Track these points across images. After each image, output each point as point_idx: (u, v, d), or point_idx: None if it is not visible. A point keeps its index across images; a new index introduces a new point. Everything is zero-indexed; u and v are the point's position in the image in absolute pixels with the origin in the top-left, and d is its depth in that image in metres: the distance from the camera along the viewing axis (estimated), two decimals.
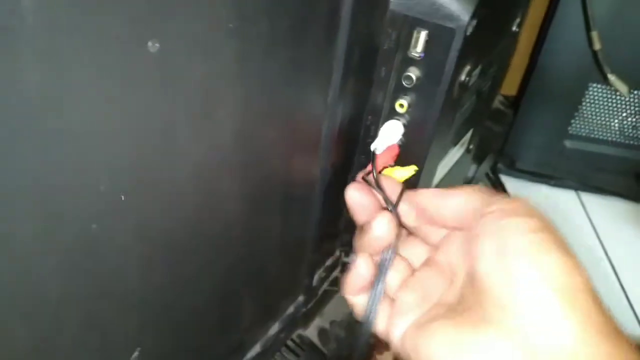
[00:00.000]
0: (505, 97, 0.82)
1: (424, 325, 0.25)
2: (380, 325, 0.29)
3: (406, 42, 0.36)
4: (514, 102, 0.81)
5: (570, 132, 0.82)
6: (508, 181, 0.84)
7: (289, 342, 0.47)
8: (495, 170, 0.83)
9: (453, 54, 0.35)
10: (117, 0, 0.17)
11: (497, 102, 0.80)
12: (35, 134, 0.17)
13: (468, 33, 0.35)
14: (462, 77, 0.39)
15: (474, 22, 0.35)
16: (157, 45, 0.19)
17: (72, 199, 0.19)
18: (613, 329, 0.22)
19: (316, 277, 0.47)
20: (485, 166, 0.77)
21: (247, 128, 0.28)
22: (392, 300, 0.29)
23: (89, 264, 0.21)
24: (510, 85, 0.83)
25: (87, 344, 0.23)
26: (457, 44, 0.35)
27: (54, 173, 0.18)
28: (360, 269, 0.29)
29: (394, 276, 0.30)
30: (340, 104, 0.35)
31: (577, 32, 0.73)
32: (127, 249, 0.23)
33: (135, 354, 0.26)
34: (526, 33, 0.79)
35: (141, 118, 0.20)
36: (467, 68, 0.39)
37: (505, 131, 0.78)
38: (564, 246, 0.24)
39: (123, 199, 0.21)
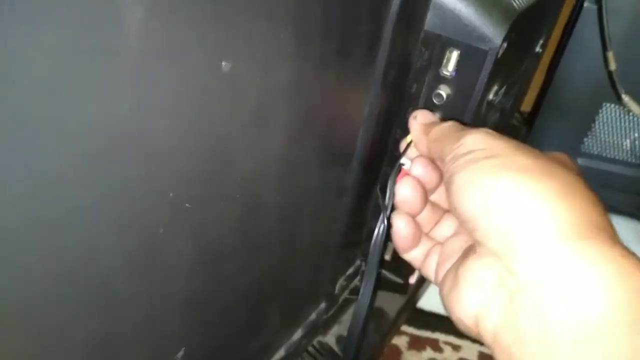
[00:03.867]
0: (520, 113, 0.84)
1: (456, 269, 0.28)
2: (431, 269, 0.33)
3: (438, 60, 0.38)
4: (529, 119, 0.83)
5: (583, 150, 0.83)
6: None
7: (310, 348, 0.48)
8: None
9: (484, 74, 0.37)
10: (200, 26, 0.18)
11: (513, 119, 0.81)
12: (123, 149, 0.18)
13: (499, 55, 0.36)
14: (490, 96, 0.40)
15: (505, 44, 0.36)
16: (229, 65, 0.20)
17: (146, 205, 0.20)
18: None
19: (338, 285, 0.48)
20: None
21: (292, 141, 0.29)
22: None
23: (151, 266, 0.22)
24: (525, 102, 0.84)
25: (141, 341, 0.24)
26: (488, 65, 0.36)
27: (135, 182, 0.19)
28: (400, 230, 0.33)
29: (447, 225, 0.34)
30: (374, 118, 0.36)
31: (593, 51, 0.74)
32: (183, 253, 0.24)
33: (181, 352, 0.28)
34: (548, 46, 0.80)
35: (209, 132, 0.21)
36: (495, 87, 0.40)
37: None
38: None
39: (188, 206, 0.22)
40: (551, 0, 0.45)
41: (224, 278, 0.29)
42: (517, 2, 0.37)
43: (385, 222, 0.39)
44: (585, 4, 0.72)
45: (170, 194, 0.21)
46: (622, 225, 0.87)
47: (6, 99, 0.14)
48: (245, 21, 0.21)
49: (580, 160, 0.84)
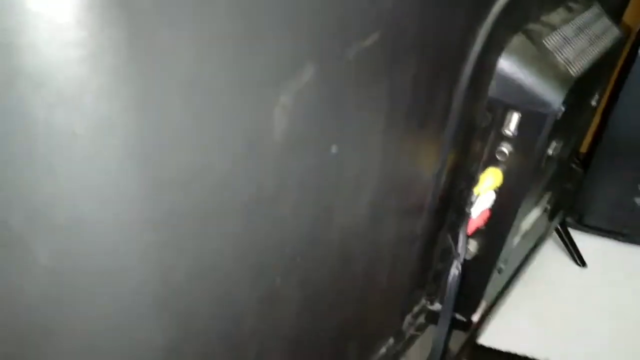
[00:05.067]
0: (577, 154, 0.86)
1: None
2: None
3: (501, 121, 0.42)
4: (585, 160, 0.85)
5: None
6: (577, 236, 0.87)
7: None
8: (564, 225, 0.85)
9: (544, 134, 0.40)
10: (320, 122, 0.24)
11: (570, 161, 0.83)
12: (267, 220, 0.23)
13: (558, 118, 0.40)
14: (550, 152, 0.44)
15: (563, 108, 0.40)
16: (336, 148, 0.26)
17: (268, 258, 0.25)
18: None
19: (405, 322, 0.52)
20: (557, 221, 0.80)
21: (378, 201, 0.34)
22: None
23: (269, 311, 0.27)
24: (583, 143, 0.86)
25: None
26: (548, 126, 0.40)
27: (263, 240, 0.24)
28: None
29: None
30: (444, 175, 0.41)
31: None
32: (292, 299, 0.29)
33: None
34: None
35: (318, 201, 0.27)
36: (554, 144, 0.44)
37: (575, 188, 0.81)
38: None
39: (298, 260, 0.27)
40: (605, 62, 0.48)
41: (318, 318, 0.34)
42: (573, 69, 0.41)
43: (459, 268, 0.43)
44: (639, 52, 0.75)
45: (286, 250, 0.26)
46: None
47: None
48: (349, 111, 0.26)
49: (638, 200, 0.85)
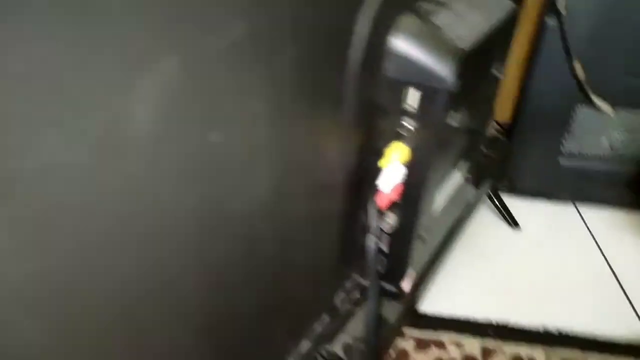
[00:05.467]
0: (500, 124, 0.90)
1: None
2: None
3: (401, 98, 0.44)
4: (509, 129, 0.89)
5: (563, 151, 0.89)
6: (510, 201, 0.91)
7: (319, 357, 0.54)
8: (497, 192, 0.90)
9: (441, 107, 0.43)
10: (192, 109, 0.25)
11: (492, 129, 0.87)
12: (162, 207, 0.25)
13: (453, 90, 0.42)
14: (452, 123, 0.46)
15: (457, 80, 0.42)
16: (216, 135, 0.27)
17: (167, 251, 0.26)
18: None
19: (338, 299, 0.54)
20: (487, 187, 0.84)
21: (281, 182, 0.35)
22: None
23: (180, 303, 0.29)
24: (504, 113, 0.90)
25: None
26: (444, 99, 0.43)
27: (152, 233, 0.26)
28: None
29: None
30: (352, 154, 0.43)
31: (561, 61, 0.81)
32: (201, 289, 0.30)
33: None
34: (516, 63, 0.87)
35: (206, 193, 0.28)
36: (454, 114, 0.47)
37: (501, 156, 0.85)
38: None
39: (199, 249, 0.28)
40: (500, 33, 0.51)
41: (237, 303, 0.36)
42: (464, 43, 0.43)
43: (375, 241, 0.45)
44: (549, 23, 0.79)
45: (183, 239, 0.27)
46: (609, 216, 0.93)
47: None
48: (227, 99, 0.28)
49: (562, 161, 0.90)
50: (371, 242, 0.46)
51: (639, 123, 0.86)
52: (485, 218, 0.90)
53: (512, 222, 0.88)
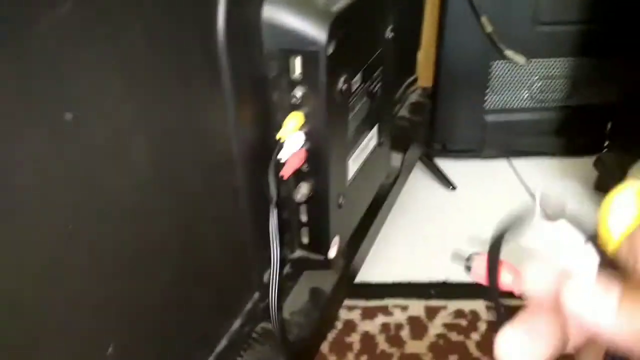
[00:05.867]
0: (424, 89, 0.92)
1: None
2: None
3: (286, 68, 0.45)
4: (432, 93, 0.91)
5: (487, 108, 0.91)
6: (443, 162, 0.93)
7: (254, 335, 0.54)
8: (429, 155, 0.92)
9: (322, 70, 0.44)
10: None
11: (416, 95, 0.89)
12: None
13: (329, 52, 0.43)
14: (340, 86, 0.47)
15: (333, 42, 0.44)
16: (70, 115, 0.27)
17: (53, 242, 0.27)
18: None
19: (267, 275, 0.55)
20: (416, 152, 0.86)
21: (163, 160, 0.36)
22: None
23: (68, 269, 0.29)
24: (427, 78, 0.92)
25: (66, 338, 0.31)
26: (322, 62, 0.44)
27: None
28: None
29: None
30: (244, 128, 0.44)
31: (469, 19, 0.83)
32: (98, 257, 0.31)
33: (110, 349, 0.34)
34: (429, 28, 0.89)
35: (73, 174, 0.28)
36: (343, 77, 0.48)
37: (427, 119, 0.87)
38: None
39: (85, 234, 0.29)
40: None
41: (143, 279, 0.36)
42: (335, 7, 0.44)
43: (275, 210, 0.46)
44: None
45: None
46: (539, 164, 0.96)
47: None
48: (77, 77, 0.28)
49: (487, 117, 0.92)
50: (273, 213, 0.47)
51: (553, 70, 0.89)
52: (421, 182, 0.92)
53: (448, 183, 0.91)
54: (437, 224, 0.84)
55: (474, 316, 0.71)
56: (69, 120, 0.28)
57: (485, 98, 0.90)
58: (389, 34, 0.57)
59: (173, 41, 0.35)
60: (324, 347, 0.68)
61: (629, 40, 0.85)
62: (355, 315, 0.72)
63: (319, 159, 0.49)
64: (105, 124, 0.31)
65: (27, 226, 0.27)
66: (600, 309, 0.20)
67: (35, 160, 0.27)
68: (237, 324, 0.51)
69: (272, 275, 0.51)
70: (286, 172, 0.47)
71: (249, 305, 0.53)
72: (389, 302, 0.73)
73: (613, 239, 0.24)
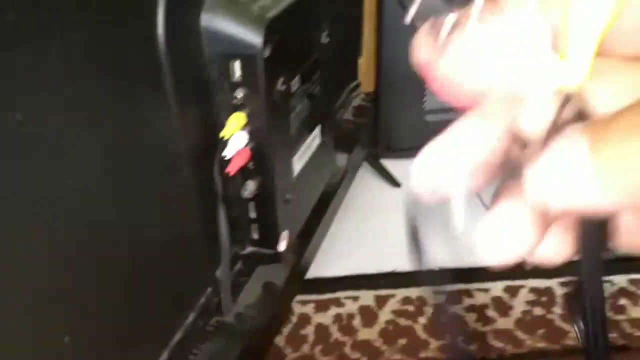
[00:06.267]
0: (367, 94, 0.96)
1: None
2: None
3: (227, 71, 0.48)
4: (375, 97, 0.96)
5: (426, 108, 0.97)
6: (388, 162, 0.98)
7: (209, 328, 0.57)
8: (375, 155, 0.96)
9: (260, 72, 0.47)
10: None
11: (359, 100, 0.94)
12: None
13: (266, 55, 0.47)
14: (279, 87, 0.51)
15: (269, 46, 0.47)
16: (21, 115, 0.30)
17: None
18: None
19: (219, 270, 0.58)
20: (361, 153, 0.90)
21: (111, 164, 0.38)
22: None
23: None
24: (369, 83, 0.97)
25: (25, 327, 0.33)
26: (260, 64, 0.47)
27: None
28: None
29: None
30: (187, 129, 0.46)
31: (405, 26, 0.88)
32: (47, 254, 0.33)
33: (67, 338, 0.36)
34: (369, 37, 0.94)
35: (17, 176, 0.31)
36: (281, 79, 0.51)
37: (370, 122, 0.92)
38: None
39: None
40: (314, 3, 0.56)
41: (95, 273, 0.38)
42: (269, 13, 0.48)
43: (222, 206, 0.49)
44: None
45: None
46: None
47: None
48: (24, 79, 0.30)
49: (428, 117, 0.98)
50: (221, 209, 0.50)
51: None
52: (368, 180, 0.96)
53: (393, 181, 0.96)
54: (383, 219, 0.89)
55: (421, 302, 0.76)
56: (20, 120, 0.31)
57: (425, 99, 0.96)
58: (325, 38, 0.61)
59: (116, 47, 0.38)
60: (280, 341, 0.71)
61: None
62: (309, 309, 0.75)
63: (263, 157, 0.53)
64: (53, 125, 0.33)
65: None
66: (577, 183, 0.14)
67: None
68: (191, 317, 0.54)
69: (223, 270, 0.54)
70: (232, 169, 0.50)
71: (202, 300, 0.55)
72: (340, 294, 0.77)
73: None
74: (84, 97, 0.35)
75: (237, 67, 0.48)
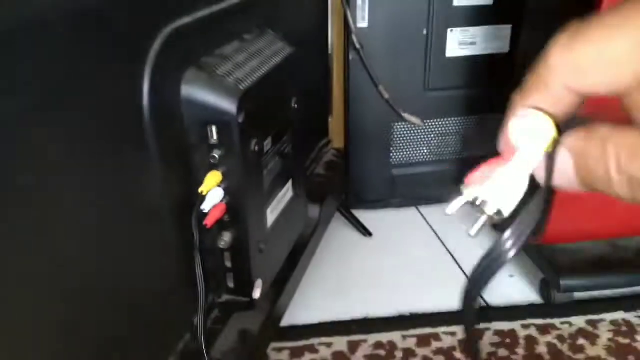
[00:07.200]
0: (338, 150, 1.03)
1: None
2: None
3: (205, 135, 0.54)
4: (345, 153, 1.03)
5: (393, 163, 1.04)
6: (359, 213, 1.04)
7: None
8: (346, 206, 1.02)
9: (235, 136, 0.53)
10: None
11: (330, 155, 1.01)
12: None
13: (241, 121, 0.53)
14: (252, 147, 0.57)
15: (243, 112, 0.53)
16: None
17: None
18: None
19: (196, 319, 0.61)
20: (333, 204, 0.96)
21: (103, 218, 0.43)
22: None
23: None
24: (339, 140, 1.04)
25: None
26: (235, 129, 0.53)
27: None
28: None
29: None
30: (169, 186, 0.52)
31: (369, 88, 0.97)
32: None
33: None
34: (338, 97, 1.02)
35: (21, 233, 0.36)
36: (254, 141, 0.57)
37: (341, 175, 0.99)
38: None
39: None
40: (282, 73, 0.63)
41: (81, 318, 0.42)
42: (243, 85, 0.55)
43: (199, 256, 0.54)
44: (350, 57, 0.95)
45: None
46: (441, 210, 1.08)
47: None
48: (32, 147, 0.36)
49: (394, 171, 1.05)
50: (197, 259, 0.54)
51: (446, 128, 1.04)
52: (340, 230, 1.02)
53: (364, 231, 1.01)
54: (356, 267, 0.94)
55: (392, 346, 0.80)
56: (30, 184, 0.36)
57: (390, 155, 1.03)
58: (294, 104, 0.68)
59: (107, 117, 0.43)
60: None
61: (503, 99, 1.02)
62: (284, 356, 0.78)
63: (238, 210, 0.58)
64: (54, 187, 0.38)
65: None
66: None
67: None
68: None
69: (199, 317, 0.58)
70: (209, 221, 0.55)
71: (181, 346, 0.59)
72: (314, 340, 0.81)
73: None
74: (77, 159, 0.41)
75: (214, 132, 0.54)
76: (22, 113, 0.35)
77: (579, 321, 0.86)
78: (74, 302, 0.42)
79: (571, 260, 0.88)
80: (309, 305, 0.85)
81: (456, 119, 1.03)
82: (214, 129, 0.54)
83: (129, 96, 0.46)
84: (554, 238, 0.86)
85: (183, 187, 0.55)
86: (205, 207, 0.54)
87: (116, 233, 0.46)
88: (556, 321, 0.86)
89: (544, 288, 0.88)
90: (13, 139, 0.35)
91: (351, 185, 1.03)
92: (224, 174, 0.56)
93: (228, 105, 0.52)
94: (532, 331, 0.83)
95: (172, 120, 0.52)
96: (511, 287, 0.91)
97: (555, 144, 0.23)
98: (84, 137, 0.41)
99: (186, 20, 0.51)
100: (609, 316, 0.87)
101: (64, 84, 0.39)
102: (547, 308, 0.88)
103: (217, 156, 0.55)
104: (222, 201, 0.56)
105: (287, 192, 0.70)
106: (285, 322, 0.80)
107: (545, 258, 0.87)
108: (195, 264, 0.55)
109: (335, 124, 1.02)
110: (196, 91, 0.52)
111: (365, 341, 0.80)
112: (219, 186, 0.56)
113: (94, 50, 0.41)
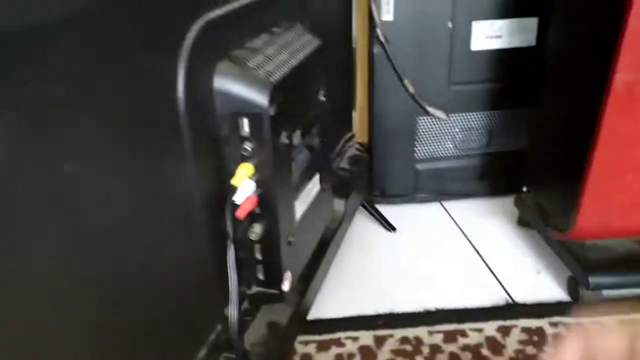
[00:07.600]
0: (361, 144, 1.03)
1: None
2: None
3: (236, 127, 0.54)
4: (369, 147, 1.03)
5: (417, 157, 1.04)
6: (383, 208, 1.04)
7: None
8: (370, 201, 1.02)
9: (267, 128, 0.54)
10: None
11: (354, 149, 1.00)
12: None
13: (272, 113, 0.53)
14: (283, 140, 0.57)
15: (274, 105, 0.54)
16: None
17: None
18: None
19: (227, 310, 0.62)
20: (358, 199, 0.96)
21: (138, 211, 0.44)
22: None
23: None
24: (363, 135, 1.04)
25: None
26: (267, 121, 0.53)
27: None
28: None
29: None
30: (202, 178, 0.52)
31: (394, 83, 0.96)
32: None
33: None
34: (362, 91, 1.01)
35: (72, 219, 0.36)
36: (285, 133, 0.57)
37: (365, 170, 0.98)
38: None
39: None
40: (310, 66, 0.63)
41: (113, 309, 0.43)
42: (273, 77, 0.55)
43: (232, 247, 0.54)
44: (375, 51, 0.94)
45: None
46: (468, 205, 1.08)
47: None
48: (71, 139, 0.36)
49: (418, 166, 1.04)
50: (230, 250, 0.55)
51: (471, 122, 1.03)
52: (365, 225, 1.01)
53: (388, 226, 1.01)
54: (381, 262, 0.93)
55: (418, 341, 0.79)
56: (68, 171, 0.36)
57: (415, 149, 1.03)
58: (322, 97, 0.68)
59: (143, 108, 0.44)
60: None
61: (529, 93, 1.01)
62: (310, 349, 0.78)
63: (269, 202, 0.58)
64: (93, 175, 0.39)
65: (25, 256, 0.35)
66: None
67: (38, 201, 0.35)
68: (202, 352, 0.58)
69: (231, 308, 0.58)
70: (241, 214, 0.55)
71: (212, 336, 0.59)
72: (341, 334, 0.81)
73: None
74: (115, 151, 0.41)
75: (245, 124, 0.54)
76: (59, 102, 0.36)
77: (609, 321, 0.85)
78: (108, 293, 0.43)
79: (600, 258, 0.86)
80: (334, 299, 0.85)
81: (481, 113, 1.02)
82: (245, 121, 0.54)
83: (164, 88, 0.46)
84: (582, 234, 0.85)
85: (214, 179, 0.55)
86: (237, 199, 0.55)
87: (149, 224, 0.47)
88: (585, 320, 0.84)
89: (572, 285, 0.87)
90: (55, 128, 0.35)
91: (375, 180, 1.03)
92: (255, 166, 0.56)
93: (260, 97, 0.53)
94: (561, 330, 0.82)
95: (205, 112, 0.52)
96: (538, 284, 0.90)
97: None
98: (119, 128, 0.42)
99: (218, 12, 0.52)
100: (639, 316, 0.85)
101: (104, 75, 0.39)
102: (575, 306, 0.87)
103: (248, 148, 0.55)
104: (253, 193, 0.57)
105: (314, 186, 0.71)
106: (311, 315, 0.80)
107: (573, 254, 0.86)
108: (228, 255, 0.55)
109: (359, 118, 1.01)
110: (228, 83, 0.52)
111: (391, 336, 0.80)
112: (250, 178, 0.56)
113: (131, 41, 0.42)
